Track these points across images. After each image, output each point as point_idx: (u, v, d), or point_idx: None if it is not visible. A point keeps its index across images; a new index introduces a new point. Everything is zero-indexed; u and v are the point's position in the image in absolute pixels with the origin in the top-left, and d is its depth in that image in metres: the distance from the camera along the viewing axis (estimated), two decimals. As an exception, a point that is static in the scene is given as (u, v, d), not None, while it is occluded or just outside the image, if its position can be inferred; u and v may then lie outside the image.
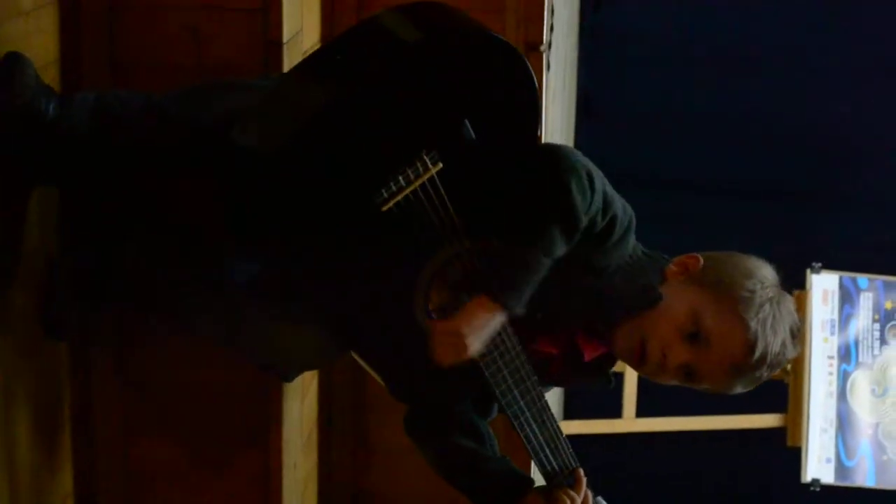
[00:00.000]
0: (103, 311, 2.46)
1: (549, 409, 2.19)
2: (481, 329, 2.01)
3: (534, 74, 2.00)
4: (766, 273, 2.20)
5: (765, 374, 2.18)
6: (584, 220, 1.99)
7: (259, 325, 2.25)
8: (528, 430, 2.18)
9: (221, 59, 2.40)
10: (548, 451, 2.21)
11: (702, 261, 2.20)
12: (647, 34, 5.07)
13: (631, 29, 5.08)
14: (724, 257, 2.23)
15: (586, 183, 1.99)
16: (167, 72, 2.37)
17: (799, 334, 2.22)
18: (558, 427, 2.21)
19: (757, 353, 2.13)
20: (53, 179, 2.20)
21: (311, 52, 2.69)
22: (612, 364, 2.29)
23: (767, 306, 2.15)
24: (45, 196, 2.24)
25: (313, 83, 1.98)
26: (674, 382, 2.21)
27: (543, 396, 2.18)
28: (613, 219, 2.07)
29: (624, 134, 4.96)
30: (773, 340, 2.14)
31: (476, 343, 2.01)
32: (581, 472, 2.25)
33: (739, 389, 2.22)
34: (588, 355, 2.23)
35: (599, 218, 2.03)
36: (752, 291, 2.15)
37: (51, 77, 2.25)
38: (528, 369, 2.14)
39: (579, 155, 2.04)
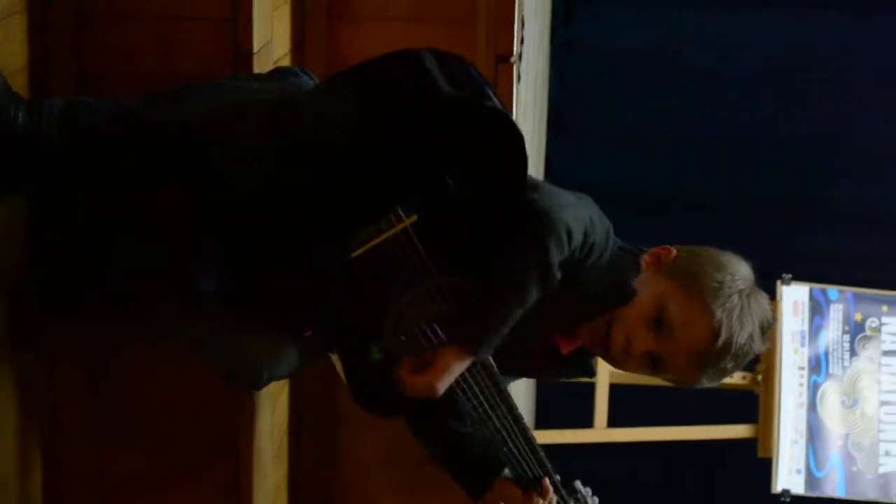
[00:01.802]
0: (73, 320, 2.45)
1: (522, 420, 2.18)
2: (450, 375, 2.04)
3: (519, 129, 1.99)
4: (738, 268, 2.20)
5: (730, 365, 2.17)
6: (558, 269, 2.01)
7: (226, 333, 2.25)
8: (502, 443, 2.18)
9: (191, 69, 2.40)
10: (519, 456, 2.21)
11: (674, 252, 2.21)
12: (618, 48, 5.09)
13: (602, 43, 5.09)
14: (698, 250, 2.23)
15: (565, 239, 1.99)
16: (136, 81, 2.36)
17: (770, 330, 2.22)
18: (532, 435, 2.21)
19: (720, 342, 2.12)
20: (22, 188, 2.19)
21: (280, 63, 2.70)
22: (592, 354, 2.29)
23: (736, 297, 2.15)
24: (13, 205, 2.23)
25: (305, 118, 1.98)
26: (642, 372, 2.21)
27: (515, 408, 2.18)
28: (592, 246, 2.08)
29: (595, 147, 4.98)
30: (740, 331, 2.14)
31: (444, 386, 2.04)
32: (547, 481, 2.25)
33: (706, 382, 2.20)
34: (564, 350, 2.24)
35: (577, 253, 2.05)
36: (721, 282, 2.15)
37: (19, 85, 2.24)
38: (500, 386, 2.13)
39: (564, 212, 2.02)
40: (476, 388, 2.11)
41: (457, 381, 2.09)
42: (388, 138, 1.94)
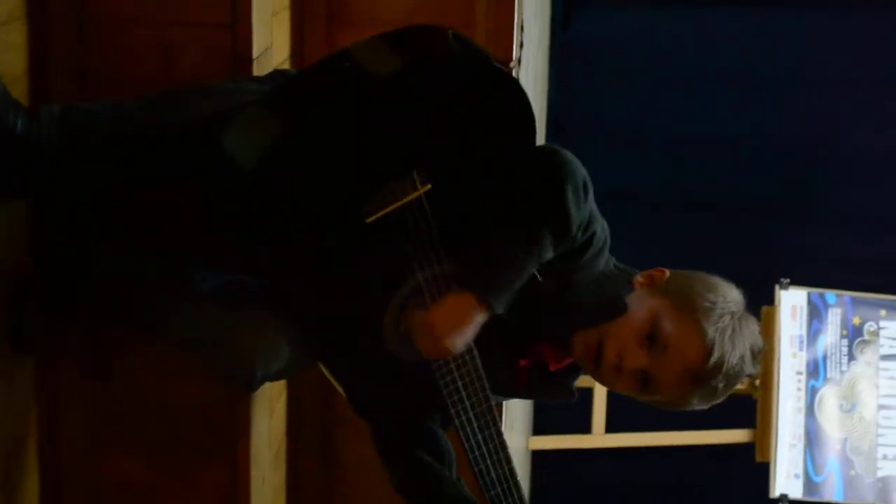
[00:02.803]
0: (74, 323, 2.46)
1: (507, 448, 2.16)
2: (464, 326, 2.00)
3: (526, 93, 2.00)
4: (730, 291, 2.21)
5: (720, 385, 2.16)
6: (576, 232, 2.00)
7: (224, 332, 2.24)
8: (482, 464, 2.14)
9: (190, 75, 2.41)
10: (500, 489, 2.16)
11: (668, 273, 2.21)
12: (617, 51, 5.08)
13: (601, 46, 5.09)
14: (690, 273, 2.25)
15: (582, 193, 2.00)
16: (136, 87, 2.37)
17: (760, 355, 2.22)
18: (514, 468, 2.18)
19: (713, 361, 2.13)
20: (24, 193, 2.20)
21: (281, 66, 2.70)
22: (577, 377, 2.30)
23: (728, 318, 2.16)
24: (13, 208, 2.24)
25: (305, 99, 1.99)
26: (630, 392, 2.21)
27: (502, 434, 2.15)
28: (592, 236, 2.08)
29: (594, 149, 4.91)
30: (731, 352, 2.14)
31: (459, 341, 2.00)
32: None
33: (695, 402, 2.20)
34: (553, 365, 2.24)
35: (580, 234, 2.05)
36: (714, 303, 2.16)
37: (20, 91, 2.25)
38: (489, 402, 2.12)
39: (578, 162, 2.04)
40: (463, 393, 2.11)
41: (444, 383, 2.09)
42: (402, 105, 1.95)
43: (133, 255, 2.24)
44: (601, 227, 2.12)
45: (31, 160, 2.07)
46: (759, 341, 2.22)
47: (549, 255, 2.00)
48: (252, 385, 2.33)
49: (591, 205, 2.06)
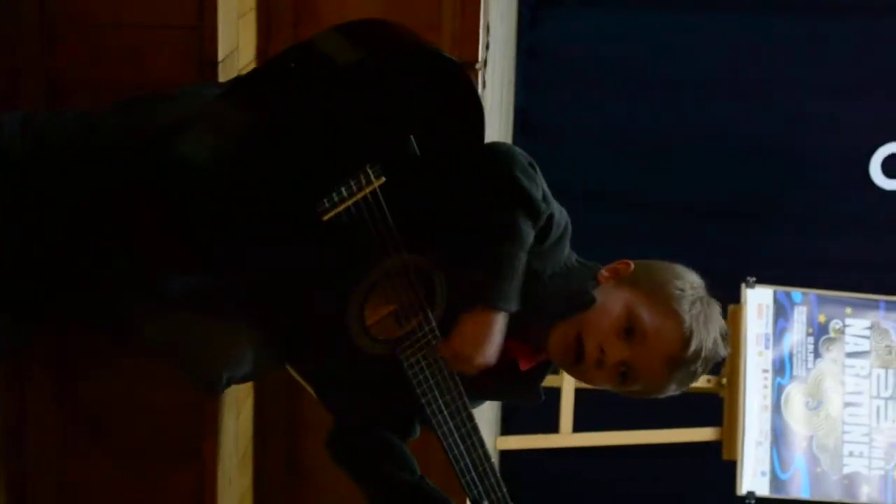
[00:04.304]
0: (41, 328, 2.45)
1: (479, 432, 2.19)
2: (488, 339, 2.05)
3: (475, 83, 2.03)
4: (693, 277, 2.25)
5: (699, 369, 2.21)
6: (542, 205, 2.03)
7: (189, 335, 2.24)
8: (455, 450, 2.18)
9: (159, 77, 2.40)
10: (474, 473, 2.20)
11: (632, 266, 2.24)
12: (584, 51, 5.09)
13: (568, 47, 5.10)
14: (653, 262, 2.28)
15: (530, 170, 2.05)
16: (105, 89, 2.36)
17: (728, 338, 2.27)
18: (486, 450, 2.21)
19: (693, 346, 2.17)
20: None
21: (247, 70, 2.69)
22: (543, 377, 2.31)
23: (699, 304, 2.20)
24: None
25: (255, 99, 2.00)
26: (607, 386, 2.23)
27: (473, 418, 2.19)
28: (551, 218, 2.11)
29: (561, 150, 4.98)
30: (707, 336, 2.19)
31: (488, 353, 2.06)
32: None
33: (673, 388, 2.24)
34: (523, 365, 2.25)
35: (543, 210, 2.07)
36: (682, 290, 2.20)
37: (-13, 94, 2.25)
38: (458, 389, 2.15)
39: (518, 150, 2.09)
40: (436, 391, 2.12)
41: (416, 381, 2.10)
42: (351, 99, 1.96)
43: (98, 259, 2.23)
44: (558, 211, 2.15)
45: None
46: (725, 325, 2.27)
47: (532, 236, 2.05)
48: (216, 388, 2.33)
49: (544, 186, 2.09)
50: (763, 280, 4.68)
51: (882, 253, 5.11)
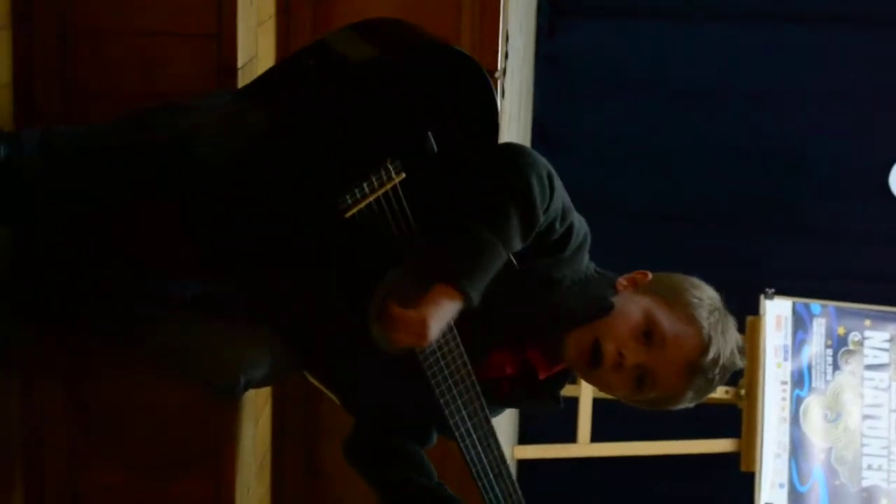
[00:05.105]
0: (53, 335, 2.45)
1: (496, 435, 2.19)
2: (440, 315, 1.99)
3: (489, 78, 2.03)
4: (710, 290, 2.27)
5: (717, 378, 2.21)
6: (542, 217, 2.02)
7: (207, 337, 2.24)
8: (472, 453, 2.18)
9: (176, 85, 2.40)
10: (491, 476, 2.21)
11: (650, 276, 2.25)
12: (602, 62, 5.10)
13: (586, 56, 5.10)
14: (671, 274, 2.30)
15: (546, 181, 2.03)
16: (121, 98, 2.37)
17: (744, 352, 2.28)
18: (503, 454, 2.21)
19: (711, 353, 2.18)
20: (8, 218, 2.19)
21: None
22: (563, 385, 2.31)
23: (717, 313, 2.22)
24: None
25: (274, 98, 2.00)
26: (622, 393, 2.22)
27: (490, 422, 2.19)
28: (570, 227, 2.11)
29: (579, 161, 4.98)
30: (724, 345, 2.20)
31: (435, 329, 1.99)
32: None
33: (690, 396, 2.23)
34: (542, 373, 2.25)
35: (558, 224, 2.07)
36: (700, 299, 2.22)
37: (4, 101, 2.25)
38: (477, 392, 2.14)
39: (542, 158, 2.07)
40: (455, 392, 2.12)
41: (435, 382, 2.09)
42: (368, 96, 1.97)
43: (113, 268, 2.24)
44: (579, 221, 2.16)
45: (16, 185, 2.06)
46: (740, 338, 2.28)
47: (518, 244, 2.02)
48: (235, 391, 2.33)
49: (565, 196, 2.09)
50: (782, 292, 4.67)
51: (901, 265, 5.11)
